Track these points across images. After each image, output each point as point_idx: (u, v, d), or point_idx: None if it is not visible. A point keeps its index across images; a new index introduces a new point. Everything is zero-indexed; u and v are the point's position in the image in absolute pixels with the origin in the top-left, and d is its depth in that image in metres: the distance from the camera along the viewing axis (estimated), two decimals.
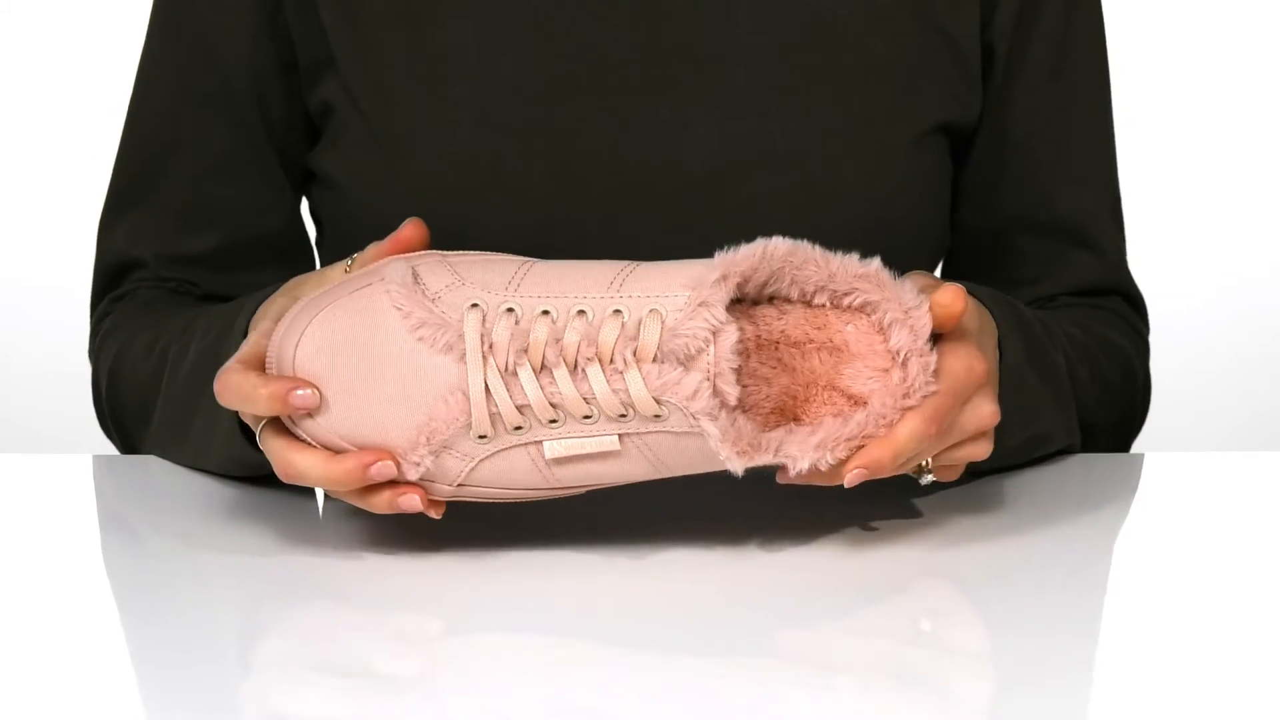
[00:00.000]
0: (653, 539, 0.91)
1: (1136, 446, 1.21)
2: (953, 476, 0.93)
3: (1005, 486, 1.01)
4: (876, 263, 0.87)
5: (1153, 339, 1.23)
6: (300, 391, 0.85)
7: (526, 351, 0.84)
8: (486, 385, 0.84)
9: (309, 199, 1.19)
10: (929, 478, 0.91)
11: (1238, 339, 2.95)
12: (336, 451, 0.86)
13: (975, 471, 1.01)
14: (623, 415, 0.84)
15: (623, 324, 0.84)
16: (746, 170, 1.09)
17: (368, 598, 0.85)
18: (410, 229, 0.91)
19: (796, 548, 0.90)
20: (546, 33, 1.09)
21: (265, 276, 1.13)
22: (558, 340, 0.84)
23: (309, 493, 0.99)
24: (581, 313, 0.84)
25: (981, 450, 0.91)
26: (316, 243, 1.20)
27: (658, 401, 0.83)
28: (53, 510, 1.02)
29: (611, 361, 0.84)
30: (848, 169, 1.10)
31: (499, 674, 0.75)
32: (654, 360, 0.84)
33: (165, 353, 1.08)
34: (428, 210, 0.95)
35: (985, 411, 0.90)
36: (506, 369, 0.84)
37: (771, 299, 0.89)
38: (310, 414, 0.86)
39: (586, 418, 0.84)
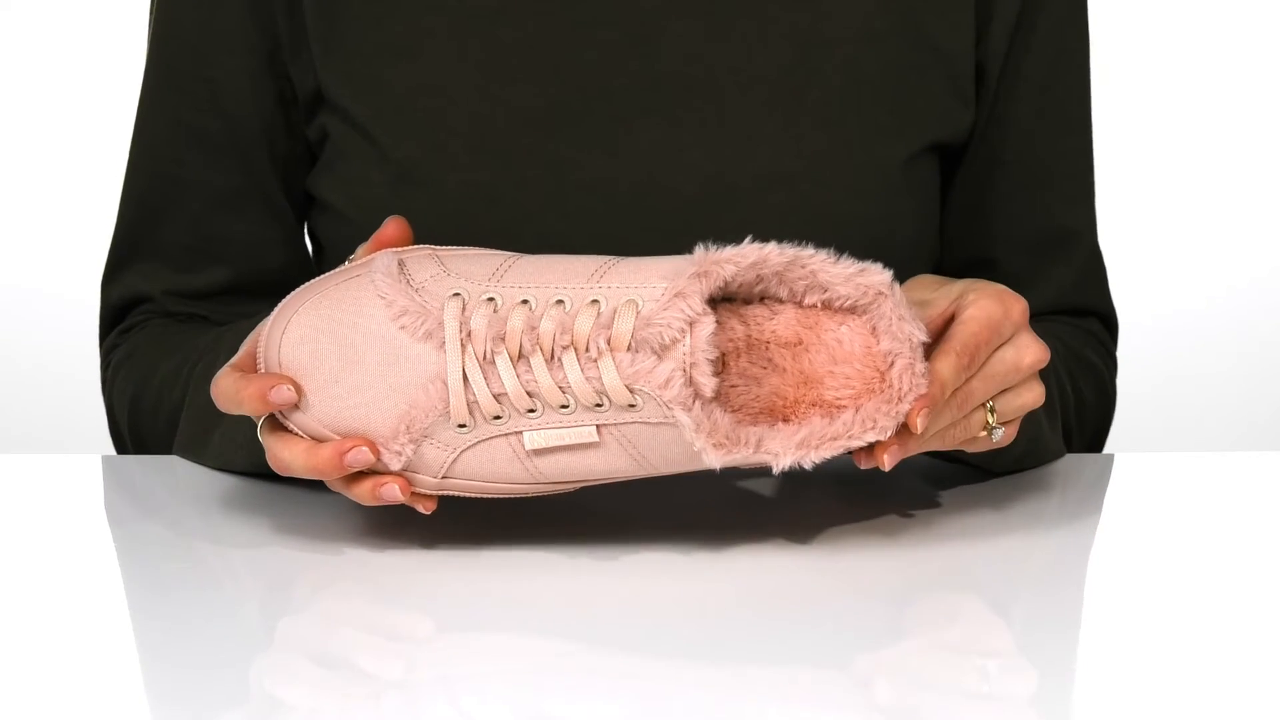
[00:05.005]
0: (649, 541, 0.91)
1: (1131, 447, 1.22)
2: (1013, 434, 0.93)
3: (982, 488, 1.02)
4: (873, 267, 0.86)
5: (1149, 343, 1.24)
6: (280, 388, 0.87)
7: (504, 340, 0.85)
8: (465, 373, 0.85)
9: (308, 221, 1.20)
10: (999, 432, 0.91)
11: (1232, 344, 2.95)
12: (322, 441, 0.88)
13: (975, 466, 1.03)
14: (598, 405, 0.84)
15: (598, 313, 0.84)
16: (740, 193, 1.09)
17: (363, 596, 0.86)
18: (392, 227, 0.92)
19: (786, 549, 0.90)
20: (540, 61, 1.10)
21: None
22: (534, 328, 0.85)
23: (313, 488, 1.00)
24: (560, 302, 0.85)
25: (1034, 396, 0.92)
26: (314, 264, 1.20)
27: (631, 390, 0.84)
28: (62, 510, 1.03)
29: (586, 350, 0.84)
30: (841, 190, 1.10)
31: (481, 678, 0.75)
32: (629, 349, 0.84)
33: (191, 372, 1.09)
34: (426, 236, 0.95)
35: (1030, 350, 0.90)
36: (484, 357, 0.85)
37: (763, 298, 0.89)
38: (297, 406, 0.87)
39: (564, 407, 0.85)
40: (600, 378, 0.84)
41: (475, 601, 0.85)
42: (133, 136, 1.18)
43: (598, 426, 0.85)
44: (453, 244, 1.01)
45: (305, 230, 1.21)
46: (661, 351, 0.84)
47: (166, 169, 1.16)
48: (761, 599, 0.85)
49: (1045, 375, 1.02)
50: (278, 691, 0.74)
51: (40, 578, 0.90)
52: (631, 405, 0.84)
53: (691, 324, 0.84)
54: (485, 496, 0.89)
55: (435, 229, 1.05)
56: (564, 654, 0.78)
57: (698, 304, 0.84)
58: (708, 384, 0.84)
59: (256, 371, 0.90)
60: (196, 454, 1.07)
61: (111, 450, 1.21)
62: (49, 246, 2.90)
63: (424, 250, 0.90)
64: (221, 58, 1.14)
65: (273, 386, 0.87)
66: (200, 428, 1.06)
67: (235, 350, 1.02)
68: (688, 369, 0.84)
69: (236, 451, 1.02)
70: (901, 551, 0.91)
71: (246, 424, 0.98)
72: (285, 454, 0.88)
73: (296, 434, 0.89)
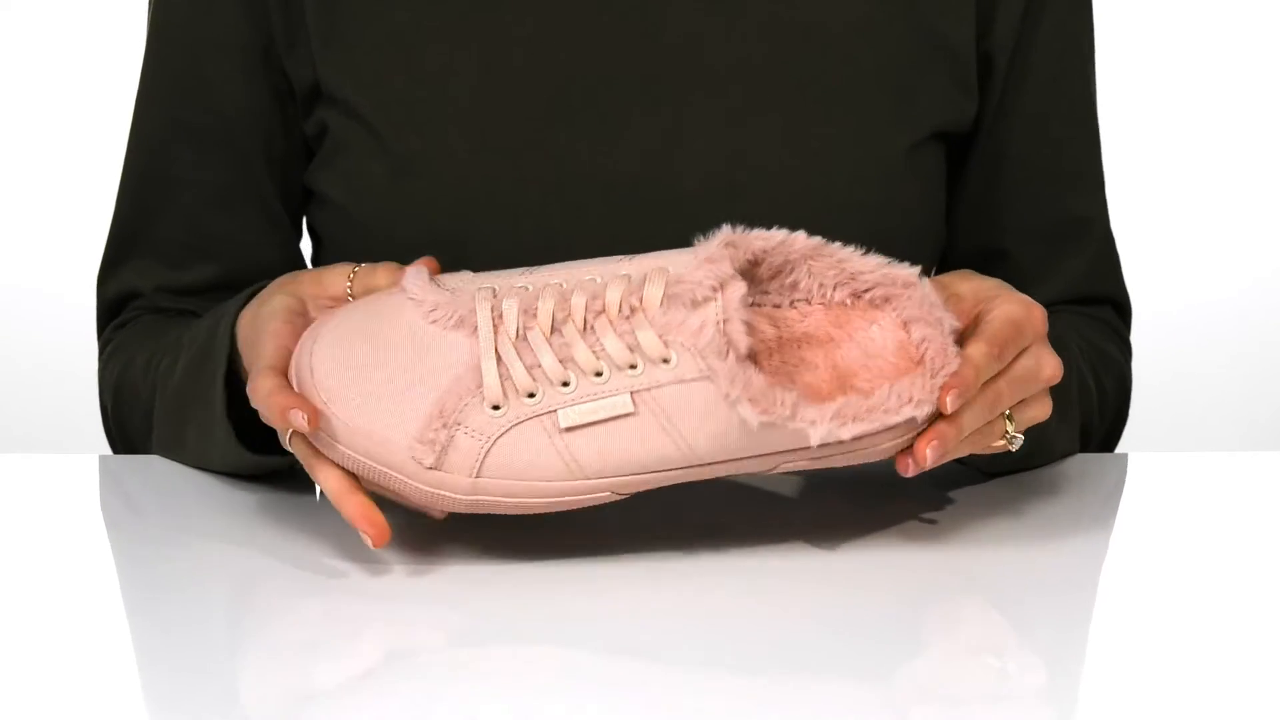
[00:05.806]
0: (657, 547, 0.90)
1: (1135, 446, 1.21)
2: (1019, 443, 0.93)
3: (995, 491, 1.02)
4: (900, 265, 0.88)
5: (1154, 341, 1.24)
6: (295, 412, 0.87)
7: (535, 316, 0.85)
8: (497, 351, 0.85)
9: (306, 215, 1.19)
10: (1019, 440, 0.92)
11: (1236, 342, 2.95)
12: (342, 445, 0.87)
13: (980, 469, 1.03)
14: (632, 366, 0.84)
15: (629, 280, 0.85)
16: (743, 185, 1.09)
17: (364, 597, 0.86)
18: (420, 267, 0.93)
19: (799, 553, 0.90)
20: (541, 54, 1.10)
21: None
22: (566, 300, 0.85)
23: (312, 490, 1.00)
24: (591, 280, 0.86)
25: (1044, 410, 0.93)
26: (313, 258, 1.20)
27: (665, 343, 0.84)
28: (59, 511, 1.03)
29: (620, 311, 0.85)
30: (844, 180, 1.10)
31: (483, 676, 0.76)
32: (660, 306, 0.84)
33: (157, 368, 1.09)
34: (427, 229, 0.96)
35: (1048, 363, 0.92)
36: (517, 335, 0.85)
37: (793, 303, 0.89)
38: (317, 430, 0.87)
39: (598, 375, 0.85)
40: (634, 332, 0.84)
41: (476, 603, 0.85)
42: (129, 134, 1.19)
43: (632, 395, 0.84)
44: (452, 236, 1.02)
45: (304, 225, 1.20)
46: (693, 307, 0.84)
47: (161, 166, 1.17)
48: (772, 602, 0.85)
49: (1067, 371, 1.02)
50: (275, 692, 0.74)
51: (37, 578, 0.90)
52: (665, 360, 0.84)
53: (723, 285, 0.84)
54: (517, 513, 0.88)
55: (436, 221, 1.04)
56: (567, 656, 0.78)
57: (727, 268, 0.84)
58: (741, 341, 0.84)
59: (287, 372, 0.90)
60: (175, 453, 1.07)
61: (110, 450, 1.21)
62: (49, 246, 2.91)
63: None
64: (215, 55, 1.14)
65: (292, 408, 0.87)
66: (174, 425, 1.06)
67: (191, 347, 1.03)
68: (721, 323, 0.84)
69: (212, 450, 1.02)
70: (917, 554, 0.90)
71: (223, 423, 0.99)
72: (319, 475, 0.89)
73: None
